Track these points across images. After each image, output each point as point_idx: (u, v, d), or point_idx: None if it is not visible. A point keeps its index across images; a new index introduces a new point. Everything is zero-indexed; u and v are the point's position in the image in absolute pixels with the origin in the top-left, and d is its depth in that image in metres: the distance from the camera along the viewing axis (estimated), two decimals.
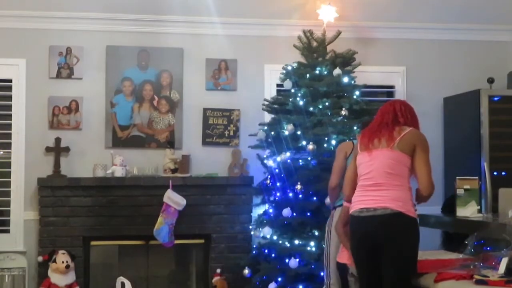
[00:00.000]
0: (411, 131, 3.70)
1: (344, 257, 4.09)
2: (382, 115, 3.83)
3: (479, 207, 4.50)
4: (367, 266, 3.73)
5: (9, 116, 5.70)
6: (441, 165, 6.06)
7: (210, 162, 5.83)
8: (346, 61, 5.40)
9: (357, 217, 3.70)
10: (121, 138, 5.82)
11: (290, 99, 5.30)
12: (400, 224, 3.58)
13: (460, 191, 4.47)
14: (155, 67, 5.90)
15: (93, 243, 5.64)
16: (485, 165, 5.52)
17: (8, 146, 5.70)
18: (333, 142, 5.04)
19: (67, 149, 5.69)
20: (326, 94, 5.22)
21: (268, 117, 5.62)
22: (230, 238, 5.66)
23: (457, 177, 4.57)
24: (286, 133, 5.13)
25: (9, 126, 5.70)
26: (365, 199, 3.68)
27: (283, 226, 5.12)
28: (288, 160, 5.08)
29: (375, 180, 3.66)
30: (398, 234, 3.58)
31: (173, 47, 5.93)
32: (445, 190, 5.96)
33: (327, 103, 5.14)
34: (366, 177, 3.72)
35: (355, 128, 5.06)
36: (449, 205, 4.82)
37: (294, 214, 5.01)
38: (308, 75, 5.30)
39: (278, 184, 5.19)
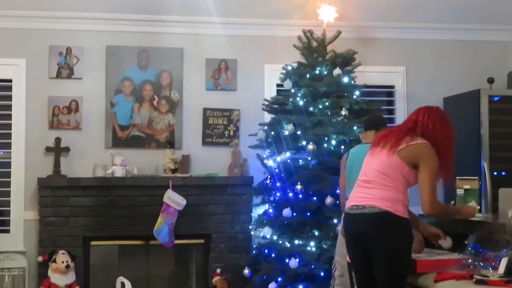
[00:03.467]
0: (421, 145, 3.62)
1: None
2: (405, 121, 3.83)
3: (479, 207, 4.50)
4: (360, 264, 3.73)
5: (9, 116, 5.71)
6: None
7: (210, 162, 5.83)
8: (346, 61, 5.41)
9: (348, 214, 3.72)
10: (121, 138, 5.82)
11: (290, 99, 5.31)
12: (387, 223, 3.57)
13: (460, 191, 4.47)
14: (155, 67, 5.91)
15: (93, 243, 5.64)
16: (485, 165, 5.52)
17: (8, 146, 5.70)
18: (333, 142, 5.04)
19: (67, 149, 5.69)
20: (326, 94, 5.22)
21: (268, 117, 5.62)
22: (230, 238, 5.66)
23: (457, 177, 4.56)
24: (286, 133, 5.13)
25: (9, 126, 5.70)
26: (356, 196, 3.70)
27: (283, 226, 5.12)
28: (288, 160, 5.08)
29: (368, 178, 3.67)
30: (386, 233, 3.57)
31: (173, 47, 5.93)
32: (445, 190, 5.96)
33: (327, 103, 5.15)
34: (362, 173, 3.75)
35: (355, 128, 5.06)
36: None
37: (294, 214, 5.01)
38: (308, 75, 5.30)
39: (278, 184, 5.19)
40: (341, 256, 4.43)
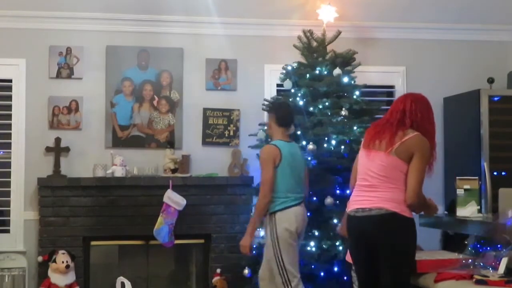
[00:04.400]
0: (413, 138, 3.63)
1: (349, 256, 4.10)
2: (391, 113, 3.78)
3: (479, 207, 4.50)
4: (364, 265, 3.73)
5: (9, 116, 5.70)
6: (441, 165, 6.05)
7: (210, 162, 5.83)
8: (346, 61, 5.40)
9: (353, 217, 3.71)
10: (121, 138, 5.82)
11: (290, 99, 5.30)
12: (395, 224, 3.58)
13: (460, 191, 4.47)
14: (155, 67, 5.91)
15: (93, 243, 5.64)
16: (485, 165, 5.52)
17: (8, 146, 5.70)
18: (333, 142, 5.04)
19: (67, 149, 5.69)
20: (326, 94, 5.22)
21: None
22: (230, 238, 5.65)
23: (457, 177, 4.57)
24: None
25: (9, 126, 5.70)
26: (360, 199, 3.69)
27: None
28: None
29: (370, 182, 3.66)
30: (394, 234, 3.57)
31: (173, 47, 5.93)
32: (445, 190, 5.97)
33: (327, 103, 5.15)
34: (362, 177, 3.73)
35: (355, 128, 5.06)
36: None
37: None
38: (308, 75, 5.30)
39: None
40: (291, 263, 4.42)
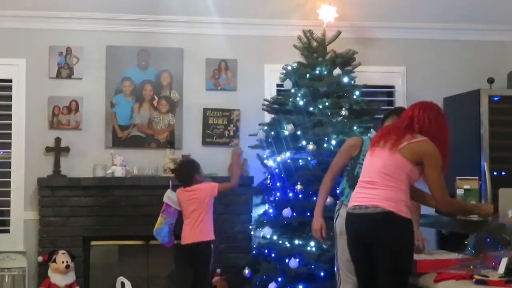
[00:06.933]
0: (422, 142, 3.61)
1: None
2: (401, 118, 3.82)
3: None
4: (361, 264, 3.73)
5: (9, 116, 5.71)
6: None
7: (210, 162, 5.81)
8: (346, 61, 5.40)
9: (350, 214, 3.72)
10: (121, 138, 5.82)
11: (290, 99, 5.31)
12: (390, 223, 3.57)
13: (460, 191, 4.47)
14: (155, 67, 5.91)
15: (93, 243, 5.65)
16: (485, 165, 5.51)
17: (8, 146, 5.70)
18: (333, 142, 5.04)
19: (67, 149, 5.70)
20: (326, 94, 5.22)
21: (268, 117, 5.62)
22: (230, 238, 5.66)
23: (457, 177, 4.56)
24: (286, 133, 5.13)
25: (9, 126, 5.71)
26: (359, 196, 3.69)
27: (283, 226, 5.12)
28: (288, 160, 5.08)
29: (370, 178, 3.66)
30: (389, 234, 3.56)
31: (173, 47, 5.93)
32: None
33: (327, 103, 5.15)
34: (364, 173, 3.74)
35: (355, 128, 5.06)
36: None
37: (294, 214, 5.01)
38: (308, 75, 5.30)
39: (278, 184, 5.19)
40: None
